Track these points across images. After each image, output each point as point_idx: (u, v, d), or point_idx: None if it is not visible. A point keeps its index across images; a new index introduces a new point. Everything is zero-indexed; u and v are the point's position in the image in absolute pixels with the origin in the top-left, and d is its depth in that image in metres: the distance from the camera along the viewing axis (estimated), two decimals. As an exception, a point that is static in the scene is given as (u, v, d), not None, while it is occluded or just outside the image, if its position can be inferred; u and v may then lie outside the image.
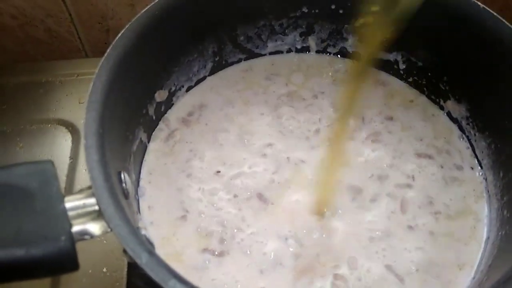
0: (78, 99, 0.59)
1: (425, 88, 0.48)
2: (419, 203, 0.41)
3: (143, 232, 0.31)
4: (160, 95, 0.44)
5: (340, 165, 0.41)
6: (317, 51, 0.51)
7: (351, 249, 0.38)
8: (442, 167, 0.43)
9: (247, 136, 0.45)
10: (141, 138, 0.42)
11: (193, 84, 0.48)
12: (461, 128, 0.46)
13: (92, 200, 0.29)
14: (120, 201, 0.29)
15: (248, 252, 0.38)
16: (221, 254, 0.38)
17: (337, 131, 0.43)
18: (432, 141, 0.45)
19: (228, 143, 0.44)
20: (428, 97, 0.48)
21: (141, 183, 0.41)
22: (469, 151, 0.45)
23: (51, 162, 0.29)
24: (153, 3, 0.39)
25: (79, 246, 0.48)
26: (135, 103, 0.40)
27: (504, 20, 0.39)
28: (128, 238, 0.27)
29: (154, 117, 0.44)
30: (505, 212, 0.38)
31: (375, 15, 0.35)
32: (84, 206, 0.29)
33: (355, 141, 0.44)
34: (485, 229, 0.39)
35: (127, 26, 0.37)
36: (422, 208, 0.40)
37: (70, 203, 0.29)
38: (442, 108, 0.47)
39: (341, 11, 0.47)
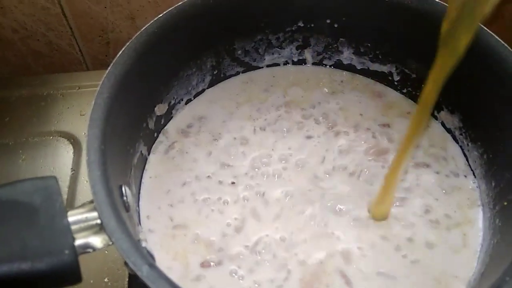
0: (80, 111, 0.60)
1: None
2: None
3: (143, 244, 0.32)
4: (160, 109, 0.45)
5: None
6: (313, 63, 0.53)
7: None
8: (438, 174, 0.44)
9: (246, 146, 0.46)
10: (141, 151, 0.43)
11: (192, 97, 0.49)
12: (454, 138, 0.47)
13: (94, 214, 0.30)
14: (121, 215, 0.30)
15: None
16: (219, 264, 0.39)
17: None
18: (428, 150, 0.46)
19: (227, 152, 0.45)
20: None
21: (142, 194, 0.42)
22: (464, 160, 0.45)
23: (54, 178, 0.30)
24: (152, 20, 0.40)
25: (81, 256, 0.49)
26: (136, 117, 0.41)
27: (494, 35, 0.40)
28: (129, 251, 0.28)
29: (154, 130, 0.45)
30: (497, 221, 0.39)
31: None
32: (87, 220, 0.30)
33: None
34: (480, 238, 0.40)
35: (127, 44, 0.38)
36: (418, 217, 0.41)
37: (72, 217, 0.30)
38: (436, 118, 0.48)
39: (336, 25, 0.49)
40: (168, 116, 0.47)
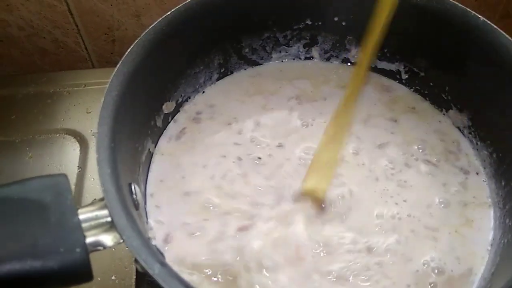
0: (86, 109, 0.60)
1: (427, 98, 0.49)
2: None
3: (153, 242, 0.32)
4: (168, 107, 0.45)
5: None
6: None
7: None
8: (448, 172, 0.44)
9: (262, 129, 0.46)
10: (149, 149, 0.43)
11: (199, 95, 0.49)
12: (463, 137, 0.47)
13: (104, 212, 0.30)
14: (131, 212, 0.30)
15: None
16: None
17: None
18: (439, 146, 0.46)
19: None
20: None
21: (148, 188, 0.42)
22: (475, 157, 0.45)
23: (64, 176, 0.30)
24: (160, 18, 0.40)
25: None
26: (144, 115, 0.41)
27: (503, 32, 0.39)
28: (141, 249, 0.28)
29: (161, 128, 0.45)
30: (507, 221, 0.39)
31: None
32: (97, 217, 0.30)
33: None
34: (490, 237, 0.40)
35: (136, 42, 0.38)
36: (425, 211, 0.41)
37: (83, 215, 0.29)
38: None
39: (343, 23, 0.48)
40: (175, 114, 0.47)
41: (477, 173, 0.44)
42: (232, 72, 0.50)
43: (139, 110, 0.39)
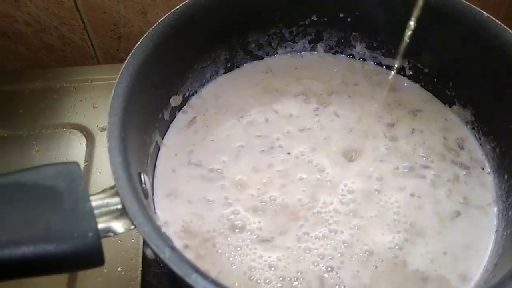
0: (92, 104, 0.61)
1: (431, 94, 0.49)
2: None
3: (162, 229, 0.33)
4: (175, 100, 0.46)
5: None
6: (326, 57, 0.53)
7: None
8: (453, 165, 0.44)
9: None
10: (157, 142, 0.43)
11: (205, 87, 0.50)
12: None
13: (115, 199, 0.30)
14: (142, 199, 0.31)
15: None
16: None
17: None
18: (445, 142, 0.46)
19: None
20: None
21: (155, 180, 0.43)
22: (479, 152, 0.45)
23: (76, 163, 0.31)
24: (169, 12, 0.41)
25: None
26: (152, 108, 0.42)
27: (507, 28, 0.40)
28: (152, 235, 0.28)
29: (168, 121, 0.46)
30: (510, 213, 0.39)
31: None
32: (108, 205, 0.30)
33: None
34: (493, 229, 0.41)
35: (145, 35, 0.39)
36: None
37: (95, 202, 0.30)
38: (447, 112, 0.49)
39: (349, 20, 0.49)
40: (182, 107, 0.48)
41: (482, 168, 0.44)
42: (238, 67, 0.51)
43: (147, 102, 0.39)
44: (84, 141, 0.58)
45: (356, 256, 0.39)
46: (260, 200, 0.42)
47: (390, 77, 0.51)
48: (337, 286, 0.37)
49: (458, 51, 0.44)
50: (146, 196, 0.35)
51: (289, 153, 0.45)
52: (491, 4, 0.65)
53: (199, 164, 0.44)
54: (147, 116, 0.40)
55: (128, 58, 0.37)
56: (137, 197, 0.30)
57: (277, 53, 0.52)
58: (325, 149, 0.45)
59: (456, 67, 0.46)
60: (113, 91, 0.35)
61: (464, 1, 0.42)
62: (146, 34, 0.39)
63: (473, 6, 0.42)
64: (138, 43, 0.38)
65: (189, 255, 0.38)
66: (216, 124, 0.47)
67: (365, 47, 0.51)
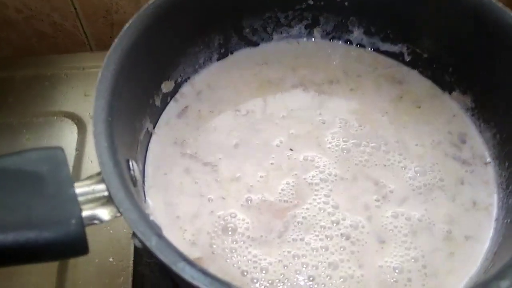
0: (84, 92, 0.60)
1: (430, 80, 0.48)
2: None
3: (151, 217, 0.32)
4: (167, 86, 0.45)
5: None
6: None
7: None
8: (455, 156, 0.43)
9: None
10: (147, 128, 0.42)
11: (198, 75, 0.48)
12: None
13: (101, 186, 0.29)
14: (129, 186, 0.29)
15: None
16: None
17: None
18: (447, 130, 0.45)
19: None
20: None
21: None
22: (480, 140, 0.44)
23: (61, 148, 0.29)
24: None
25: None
26: (142, 93, 0.40)
27: (508, 10, 0.39)
28: (138, 222, 0.27)
29: (160, 108, 0.45)
30: (510, 201, 0.38)
31: None
32: (93, 191, 0.29)
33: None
34: (493, 217, 0.40)
35: (134, 17, 0.37)
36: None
37: (79, 188, 0.29)
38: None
39: (346, 3, 0.48)
40: (174, 94, 0.46)
41: (482, 156, 0.43)
42: (232, 53, 0.50)
43: (137, 87, 0.38)
44: (76, 129, 0.57)
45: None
46: (251, 198, 0.40)
47: (389, 64, 0.49)
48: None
49: (457, 35, 0.43)
50: (135, 184, 0.34)
51: (290, 149, 0.43)
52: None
53: (191, 155, 0.43)
54: (136, 101, 0.39)
55: (116, 40, 0.36)
56: (124, 184, 0.29)
57: (272, 38, 0.51)
58: (325, 144, 0.44)
59: (456, 51, 0.44)
60: (100, 74, 0.33)
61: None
62: (135, 15, 0.38)
63: (474, -12, 0.40)
64: (127, 24, 0.37)
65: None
66: (209, 116, 0.45)
67: (363, 32, 0.50)
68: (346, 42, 0.51)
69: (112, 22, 0.66)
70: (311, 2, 0.48)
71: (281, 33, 0.50)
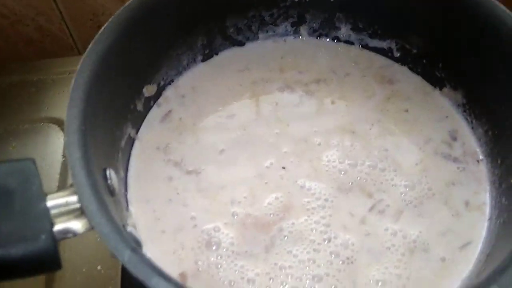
0: (70, 97, 0.59)
1: (420, 76, 0.47)
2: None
3: (129, 229, 0.31)
4: (149, 90, 0.43)
5: None
6: (310, 40, 0.50)
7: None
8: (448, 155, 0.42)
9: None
10: (129, 134, 0.41)
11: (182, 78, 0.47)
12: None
13: (75, 198, 0.28)
14: (103, 198, 0.28)
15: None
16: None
17: None
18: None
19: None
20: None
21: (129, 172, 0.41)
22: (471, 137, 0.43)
23: (32, 160, 0.28)
24: (137, -5, 0.38)
25: (72, 244, 0.47)
26: (122, 98, 0.39)
27: (500, 5, 0.37)
28: (110, 236, 0.26)
29: (143, 112, 0.44)
30: (503, 200, 0.37)
31: None
32: (67, 204, 0.28)
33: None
34: (487, 217, 0.38)
35: (110, 20, 0.36)
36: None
37: (52, 201, 0.28)
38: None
39: (332, 0, 0.46)
40: (157, 98, 0.45)
41: (474, 153, 0.42)
42: (217, 54, 0.49)
43: (115, 92, 0.37)
44: (62, 135, 0.56)
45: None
46: (236, 211, 0.39)
47: (378, 61, 0.48)
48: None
49: (446, 29, 0.42)
50: (113, 193, 0.33)
51: (273, 153, 0.42)
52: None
53: (175, 163, 0.41)
54: (115, 107, 0.38)
55: (90, 45, 0.35)
56: (97, 196, 0.28)
57: (258, 37, 0.49)
58: (311, 148, 0.42)
59: (445, 46, 0.43)
60: (73, 80, 0.32)
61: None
62: (111, 19, 0.36)
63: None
64: (102, 28, 0.36)
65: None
66: (193, 120, 0.44)
67: (351, 29, 0.48)
68: (333, 39, 0.50)
69: (99, 25, 0.65)
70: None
71: (266, 31, 0.49)
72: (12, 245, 0.25)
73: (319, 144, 0.42)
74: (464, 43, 0.41)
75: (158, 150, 0.42)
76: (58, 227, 0.27)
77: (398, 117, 0.44)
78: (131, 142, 0.42)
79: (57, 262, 0.26)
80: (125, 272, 0.45)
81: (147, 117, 0.44)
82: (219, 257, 0.36)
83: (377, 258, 0.36)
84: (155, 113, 0.44)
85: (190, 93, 0.46)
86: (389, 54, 0.48)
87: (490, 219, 0.38)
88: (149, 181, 0.40)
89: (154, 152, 0.42)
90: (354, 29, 0.48)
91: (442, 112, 0.44)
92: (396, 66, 0.48)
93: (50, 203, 0.28)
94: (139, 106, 0.43)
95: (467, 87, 0.43)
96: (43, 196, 0.27)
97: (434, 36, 0.44)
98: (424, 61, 0.46)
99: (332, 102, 0.46)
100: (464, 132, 0.43)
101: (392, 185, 0.40)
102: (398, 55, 0.47)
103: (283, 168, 0.41)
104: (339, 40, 0.49)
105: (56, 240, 0.26)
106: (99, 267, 0.46)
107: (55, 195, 0.28)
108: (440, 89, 0.45)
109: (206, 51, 0.48)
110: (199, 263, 0.36)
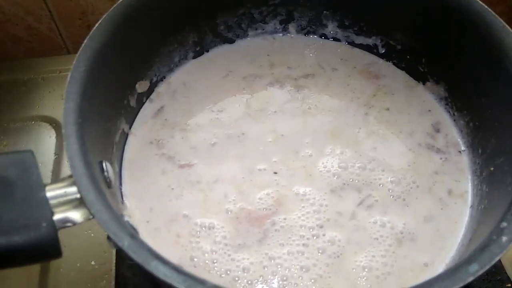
0: (61, 96, 0.58)
1: (404, 71, 0.49)
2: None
3: (126, 218, 0.32)
4: (141, 86, 0.44)
5: None
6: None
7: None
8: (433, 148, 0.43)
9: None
10: (123, 129, 0.42)
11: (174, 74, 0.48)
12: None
13: (73, 189, 0.29)
14: (101, 187, 0.29)
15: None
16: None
17: None
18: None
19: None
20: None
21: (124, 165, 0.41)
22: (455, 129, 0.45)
23: (30, 152, 0.29)
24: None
25: (66, 239, 0.48)
26: (116, 94, 0.40)
27: (478, 0, 0.39)
28: (110, 223, 0.27)
29: (136, 108, 0.44)
30: (484, 187, 0.39)
31: None
32: (66, 194, 0.29)
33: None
34: (469, 204, 0.40)
35: (104, 16, 0.37)
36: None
37: (51, 191, 0.29)
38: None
39: (319, -3, 0.48)
40: (150, 94, 0.46)
41: (456, 144, 0.44)
42: (208, 51, 0.50)
43: (109, 87, 0.38)
44: (54, 133, 0.56)
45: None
46: (229, 207, 0.40)
47: (364, 57, 0.50)
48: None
49: (428, 26, 0.44)
50: (109, 185, 0.33)
51: (264, 147, 0.43)
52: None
53: (168, 157, 0.42)
54: (110, 102, 0.39)
55: (85, 40, 0.35)
56: (96, 185, 0.29)
57: (248, 35, 0.51)
58: (299, 141, 0.44)
59: (427, 42, 0.45)
60: (69, 75, 0.33)
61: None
62: (105, 15, 0.37)
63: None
64: (97, 24, 0.36)
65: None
66: (185, 115, 0.45)
67: (337, 26, 0.50)
68: (321, 36, 0.51)
69: (88, 24, 0.66)
70: (284, -3, 0.48)
71: (256, 29, 0.50)
72: (15, 233, 0.25)
73: (307, 143, 0.44)
74: (445, 39, 0.43)
75: (151, 144, 0.43)
76: (57, 216, 0.28)
77: (384, 112, 0.46)
78: (125, 136, 0.43)
79: (57, 250, 0.27)
80: (118, 266, 0.46)
81: (140, 112, 0.45)
82: (214, 248, 0.37)
83: (364, 248, 0.38)
84: (147, 108, 0.45)
85: (181, 89, 0.47)
86: (375, 51, 0.49)
87: (472, 206, 0.40)
88: (143, 175, 0.41)
89: (147, 146, 0.43)
90: (341, 26, 0.50)
91: (426, 105, 0.46)
92: (382, 62, 0.49)
93: (49, 193, 0.29)
94: (132, 102, 0.43)
95: (448, 81, 0.45)
96: (43, 186, 0.28)
97: (417, 33, 0.45)
98: (408, 56, 0.48)
99: (317, 105, 0.47)
100: (447, 124, 0.45)
101: (379, 179, 0.41)
102: (383, 51, 0.49)
103: (274, 161, 0.42)
104: (326, 37, 0.51)
105: (56, 228, 0.27)
106: (93, 262, 0.47)
107: (53, 186, 0.29)
108: (424, 84, 0.47)
109: (197, 48, 0.49)
110: (194, 254, 0.37)
